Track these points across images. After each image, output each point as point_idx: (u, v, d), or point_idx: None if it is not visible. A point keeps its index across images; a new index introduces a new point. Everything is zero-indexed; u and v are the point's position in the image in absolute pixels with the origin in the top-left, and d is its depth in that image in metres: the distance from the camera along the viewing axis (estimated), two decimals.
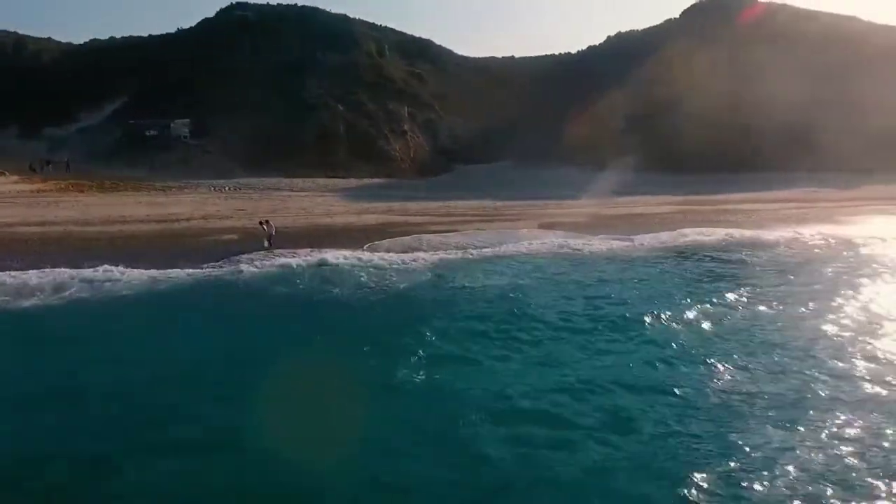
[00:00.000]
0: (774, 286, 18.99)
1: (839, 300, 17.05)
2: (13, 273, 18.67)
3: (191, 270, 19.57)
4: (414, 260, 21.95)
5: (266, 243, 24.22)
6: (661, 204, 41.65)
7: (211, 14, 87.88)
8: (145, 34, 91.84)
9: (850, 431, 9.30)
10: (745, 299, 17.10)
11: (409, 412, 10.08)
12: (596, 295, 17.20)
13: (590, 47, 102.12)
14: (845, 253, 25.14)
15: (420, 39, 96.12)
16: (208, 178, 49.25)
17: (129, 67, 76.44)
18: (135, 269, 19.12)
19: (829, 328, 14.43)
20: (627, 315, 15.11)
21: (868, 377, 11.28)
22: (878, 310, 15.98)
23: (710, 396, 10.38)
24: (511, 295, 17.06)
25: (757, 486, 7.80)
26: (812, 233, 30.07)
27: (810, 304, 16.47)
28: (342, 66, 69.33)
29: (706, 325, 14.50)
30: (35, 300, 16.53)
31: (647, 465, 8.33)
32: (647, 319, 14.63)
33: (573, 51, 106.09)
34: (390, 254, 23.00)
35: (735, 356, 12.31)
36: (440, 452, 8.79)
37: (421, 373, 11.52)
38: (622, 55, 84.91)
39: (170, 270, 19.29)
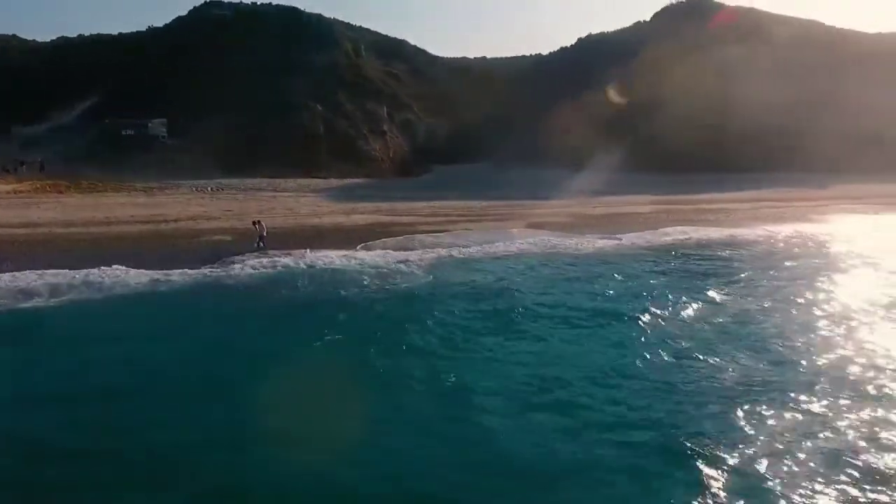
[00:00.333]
0: (759, 281, 19.71)
1: (817, 292, 17.98)
2: (4, 275, 18.43)
3: (189, 271, 19.48)
4: (410, 260, 22.12)
5: (257, 243, 24.19)
6: (642, 203, 42.52)
7: (183, 12, 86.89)
8: (114, 32, 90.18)
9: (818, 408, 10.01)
10: (732, 294, 17.79)
11: (429, 409, 10.33)
12: (594, 292, 17.68)
13: (562, 49, 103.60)
14: (820, 249, 26.12)
15: (395, 39, 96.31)
16: (188, 179, 48.82)
17: (100, 66, 75.27)
18: (132, 271, 18.99)
19: (811, 318, 15.22)
20: (626, 310, 15.58)
21: (852, 365, 11.98)
22: (853, 300, 16.92)
23: (712, 392, 10.84)
24: (514, 293, 17.41)
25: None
26: (789, 231, 31.14)
27: (792, 297, 17.32)
28: (321, 66, 69.17)
29: (699, 319, 15.07)
30: (34, 302, 16.35)
31: (655, 443, 8.79)
32: (645, 314, 15.12)
33: (544, 52, 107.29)
34: (386, 254, 23.15)
35: (732, 347, 12.85)
36: (458, 446, 9.04)
37: (434, 370, 11.80)
38: (596, 57, 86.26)
39: (167, 272, 19.15)
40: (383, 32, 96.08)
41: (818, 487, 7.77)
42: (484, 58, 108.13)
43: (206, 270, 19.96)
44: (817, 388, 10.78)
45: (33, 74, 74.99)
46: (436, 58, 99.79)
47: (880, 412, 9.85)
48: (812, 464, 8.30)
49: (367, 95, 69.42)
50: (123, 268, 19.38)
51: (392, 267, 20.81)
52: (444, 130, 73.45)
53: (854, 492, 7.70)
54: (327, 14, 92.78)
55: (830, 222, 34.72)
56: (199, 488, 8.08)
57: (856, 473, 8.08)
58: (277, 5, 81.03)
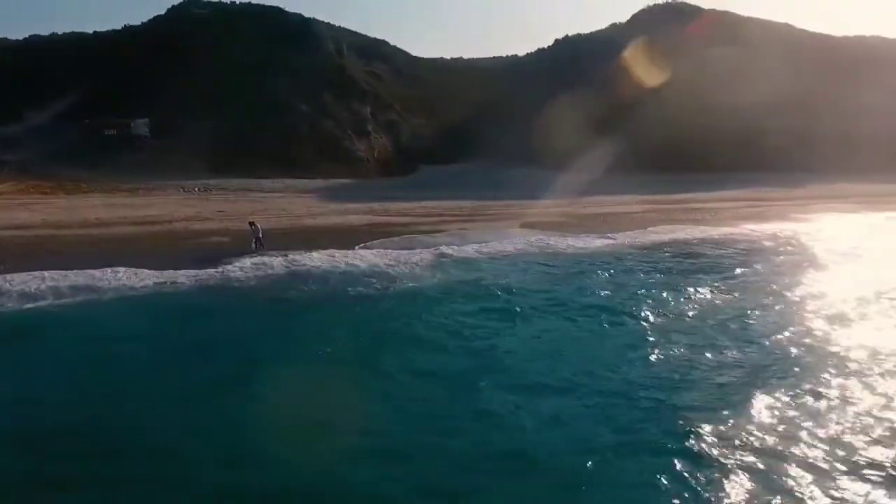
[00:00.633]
0: (753, 278, 20.30)
1: (808, 287, 18.83)
2: (7, 277, 18.22)
3: (193, 273, 19.40)
4: (412, 260, 22.23)
5: (254, 244, 24.12)
6: (631, 203, 43.21)
7: (159, 12, 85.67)
8: (89, 31, 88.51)
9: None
10: (728, 290, 18.38)
11: (450, 406, 10.55)
12: (598, 291, 18.02)
13: (539, 50, 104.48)
14: (805, 247, 26.84)
15: (374, 39, 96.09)
16: (173, 179, 48.27)
17: (76, 65, 73.93)
18: (138, 272, 18.87)
19: (804, 311, 15.91)
20: (632, 308, 15.96)
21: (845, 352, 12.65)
22: (839, 292, 17.82)
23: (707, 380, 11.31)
24: (522, 292, 17.68)
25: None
26: (774, 229, 31.92)
27: (786, 292, 18.03)
28: (304, 66, 68.84)
29: (704, 315, 15.53)
30: (40, 304, 16.20)
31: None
32: (651, 312, 15.56)
33: (520, 53, 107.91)
34: (386, 253, 23.21)
35: (740, 341, 13.32)
36: (479, 439, 9.29)
37: (454, 368, 12.04)
38: (575, 57, 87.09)
39: (173, 273, 19.08)
40: (362, 32, 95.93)
41: (815, 477, 8.18)
42: (461, 58, 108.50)
43: (210, 271, 19.86)
44: (810, 376, 11.37)
45: (5, 73, 73.22)
46: (416, 58, 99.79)
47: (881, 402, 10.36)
48: (806, 449, 8.78)
49: (351, 96, 69.31)
50: (126, 269, 19.29)
51: (396, 267, 20.93)
52: (427, 130, 73.67)
53: (850, 481, 8.10)
54: (304, 13, 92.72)
55: (813, 221, 35.64)
56: (211, 489, 8.17)
57: (852, 462, 8.52)
58: (259, 4, 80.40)
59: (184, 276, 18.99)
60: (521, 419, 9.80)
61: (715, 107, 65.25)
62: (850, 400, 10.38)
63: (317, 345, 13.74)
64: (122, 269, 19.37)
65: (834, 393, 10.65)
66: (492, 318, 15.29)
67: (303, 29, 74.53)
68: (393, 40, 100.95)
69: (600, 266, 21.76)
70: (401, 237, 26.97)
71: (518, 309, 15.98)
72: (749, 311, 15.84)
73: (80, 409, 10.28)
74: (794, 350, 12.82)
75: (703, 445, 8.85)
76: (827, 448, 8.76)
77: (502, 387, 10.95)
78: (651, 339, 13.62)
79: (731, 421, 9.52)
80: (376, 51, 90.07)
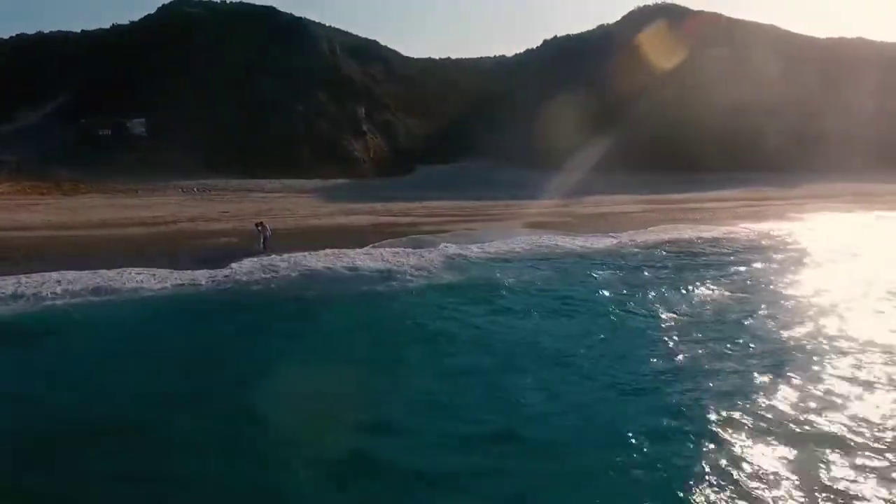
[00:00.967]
0: (763, 276, 20.79)
1: (812, 283, 19.50)
2: (24, 277, 18.16)
3: (210, 273, 19.46)
4: (424, 259, 22.43)
5: (262, 245, 24.17)
6: (629, 203, 43.64)
7: (147, 11, 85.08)
8: (76, 30, 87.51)
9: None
10: (739, 288, 18.92)
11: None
12: (613, 288, 18.37)
13: (527, 50, 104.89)
14: (807, 244, 27.37)
15: (366, 40, 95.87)
16: (169, 180, 47.98)
17: (68, 64, 73.12)
18: (156, 273, 18.89)
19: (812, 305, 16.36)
20: (651, 306, 16.31)
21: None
22: (847, 288, 18.47)
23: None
24: (540, 291, 18.01)
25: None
26: (772, 228, 32.47)
27: (796, 288, 18.56)
28: (299, 66, 68.59)
29: (713, 309, 15.97)
30: (59, 303, 16.19)
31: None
32: (672, 310, 15.91)
33: (509, 53, 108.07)
34: (398, 253, 23.32)
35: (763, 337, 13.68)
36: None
37: (494, 366, 12.25)
38: (564, 58, 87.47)
39: (188, 273, 19.13)
40: (354, 32, 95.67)
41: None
42: (449, 58, 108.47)
43: (227, 271, 19.94)
44: (823, 365, 11.94)
45: None
46: (407, 58, 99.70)
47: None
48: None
49: (345, 96, 69.18)
50: (142, 270, 19.33)
51: (410, 267, 21.07)
52: (422, 130, 73.73)
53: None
54: (293, 13, 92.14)
55: (809, 220, 36.27)
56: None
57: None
58: (251, 4, 79.92)
59: (202, 277, 19.05)
60: (551, 411, 10.05)
61: (709, 107, 66.03)
62: (862, 387, 10.84)
63: (345, 344, 13.95)
64: (136, 269, 19.41)
65: (847, 380, 11.13)
66: (517, 317, 15.53)
67: (296, 29, 74.22)
68: (381, 41, 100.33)
69: (612, 265, 22.12)
70: (408, 237, 27.06)
71: (542, 307, 16.27)
72: (762, 307, 16.30)
73: (117, 408, 10.41)
74: (806, 341, 13.37)
75: (733, 428, 9.24)
76: (841, 432, 9.18)
77: (542, 384, 11.21)
78: (674, 333, 13.99)
79: (756, 406, 9.91)
80: (368, 51, 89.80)
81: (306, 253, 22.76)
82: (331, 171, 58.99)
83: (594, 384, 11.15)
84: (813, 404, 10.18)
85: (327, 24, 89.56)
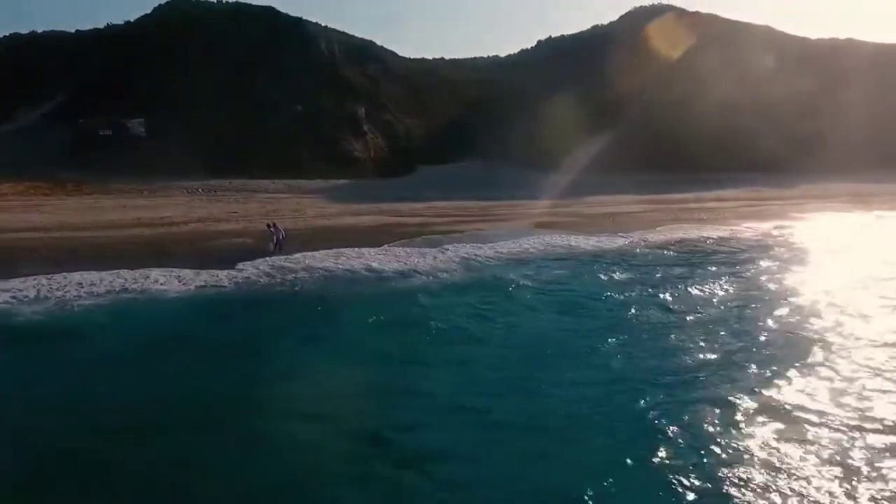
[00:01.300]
0: (773, 272, 21.20)
1: (827, 279, 19.95)
2: (44, 279, 18.09)
3: (232, 273, 19.47)
4: (442, 259, 22.48)
5: (273, 246, 24.16)
6: (630, 203, 43.97)
7: (142, 11, 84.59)
8: (70, 29, 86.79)
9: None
10: (752, 283, 19.37)
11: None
12: (637, 286, 18.62)
13: (522, 51, 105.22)
14: (813, 243, 27.71)
15: (362, 40, 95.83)
16: (171, 180, 47.85)
17: (65, 63, 72.63)
18: (177, 277, 18.86)
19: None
20: (678, 305, 16.53)
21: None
22: (859, 283, 18.93)
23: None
24: (568, 288, 18.21)
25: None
26: (778, 228, 32.88)
27: (814, 285, 18.79)
28: (298, 66, 68.51)
29: (734, 306, 16.23)
30: (86, 303, 16.15)
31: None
32: (693, 303, 16.15)
33: (501, 54, 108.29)
34: (413, 252, 23.38)
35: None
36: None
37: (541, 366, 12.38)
38: (562, 58, 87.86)
39: (211, 274, 19.15)
40: (350, 33, 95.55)
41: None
42: (443, 58, 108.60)
43: (246, 272, 19.92)
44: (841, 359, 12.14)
45: None
46: (404, 58, 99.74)
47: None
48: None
49: (345, 96, 69.18)
50: (163, 270, 19.31)
51: (431, 267, 21.18)
52: (421, 131, 73.81)
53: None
54: (290, 13, 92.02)
55: (812, 219, 36.74)
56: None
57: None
58: (248, 4, 79.67)
59: (224, 277, 19.05)
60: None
61: (706, 108, 66.50)
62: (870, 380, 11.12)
63: (376, 342, 14.00)
64: (158, 270, 19.39)
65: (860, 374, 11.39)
66: (544, 316, 15.70)
67: (295, 29, 74.14)
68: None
69: (629, 264, 22.38)
70: (422, 238, 27.12)
71: (567, 306, 16.46)
72: (782, 303, 16.65)
73: (161, 406, 10.45)
74: (833, 337, 13.66)
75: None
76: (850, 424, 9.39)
77: (580, 380, 11.34)
78: (703, 329, 14.28)
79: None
80: (365, 51, 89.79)
81: (323, 253, 22.79)
82: (331, 171, 58.97)
83: (635, 379, 11.30)
84: (840, 397, 10.39)
85: (322, 25, 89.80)
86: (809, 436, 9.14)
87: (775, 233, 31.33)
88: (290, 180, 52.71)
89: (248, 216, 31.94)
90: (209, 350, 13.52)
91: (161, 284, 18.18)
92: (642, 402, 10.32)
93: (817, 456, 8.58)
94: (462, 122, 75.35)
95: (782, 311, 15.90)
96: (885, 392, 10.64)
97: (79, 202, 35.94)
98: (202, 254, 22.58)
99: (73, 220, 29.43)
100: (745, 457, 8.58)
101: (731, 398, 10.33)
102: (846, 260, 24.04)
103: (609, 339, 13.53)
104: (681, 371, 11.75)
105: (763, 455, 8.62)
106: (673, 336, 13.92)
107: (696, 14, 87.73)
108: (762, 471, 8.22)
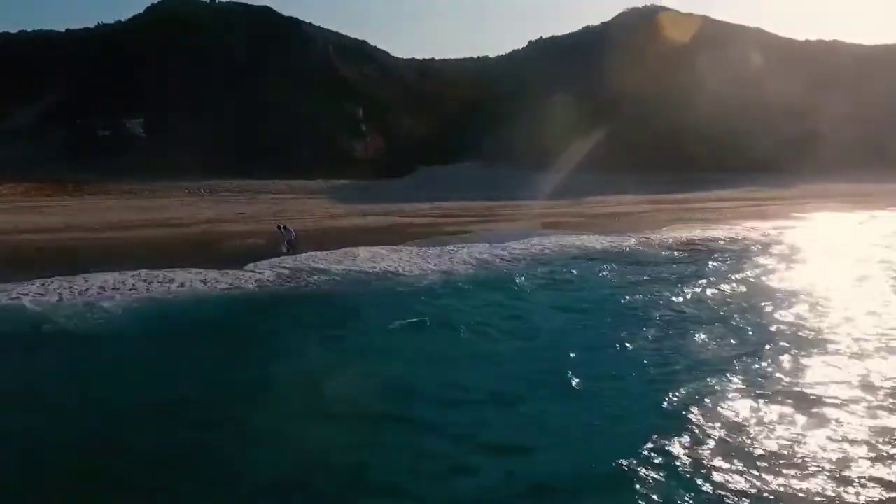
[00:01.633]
0: (790, 269, 21.49)
1: (840, 276, 20.37)
2: (65, 282, 17.95)
3: (256, 275, 19.38)
4: (457, 259, 22.52)
5: (284, 247, 24.10)
6: (632, 203, 44.26)
7: (132, 11, 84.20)
8: (60, 29, 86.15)
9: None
10: (776, 280, 19.64)
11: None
12: (660, 283, 18.79)
13: (514, 51, 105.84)
14: (820, 242, 28.00)
15: (356, 40, 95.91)
16: (171, 180, 47.60)
17: (56, 63, 72.07)
18: (202, 279, 18.77)
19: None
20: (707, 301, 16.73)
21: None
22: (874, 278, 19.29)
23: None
24: (592, 286, 18.36)
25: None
26: (784, 227, 33.22)
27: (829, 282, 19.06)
28: (296, 66, 68.50)
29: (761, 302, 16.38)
30: (105, 305, 15.97)
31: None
32: (720, 298, 16.33)
33: (491, 55, 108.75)
34: (427, 253, 23.39)
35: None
36: None
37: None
38: (559, 59, 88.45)
39: (235, 274, 19.09)
40: (343, 33, 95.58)
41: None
42: (433, 59, 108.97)
43: (267, 273, 19.85)
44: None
45: None
46: (401, 59, 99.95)
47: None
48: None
49: (344, 96, 69.25)
50: (183, 270, 19.23)
51: (450, 267, 21.21)
52: (419, 131, 74.02)
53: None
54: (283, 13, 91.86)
55: (814, 219, 37.15)
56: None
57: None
58: (245, 3, 79.52)
59: (247, 278, 19.00)
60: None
61: (702, 108, 67.23)
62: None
63: (409, 340, 14.00)
64: (180, 270, 19.34)
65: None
66: (575, 314, 15.70)
67: (292, 29, 74.05)
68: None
69: (645, 263, 22.51)
70: (433, 238, 27.07)
71: (597, 303, 16.57)
72: (804, 298, 16.85)
73: (208, 403, 10.45)
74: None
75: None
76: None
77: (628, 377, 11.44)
78: (735, 322, 14.48)
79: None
80: (362, 52, 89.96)
81: (339, 254, 22.78)
82: (331, 171, 58.94)
83: (685, 371, 11.40)
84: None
85: (317, 25, 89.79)
86: (823, 421, 9.36)
87: (782, 232, 31.59)
88: (290, 180, 52.64)
89: (257, 217, 31.88)
90: (253, 349, 13.44)
91: (187, 285, 18.12)
92: (686, 393, 10.43)
93: (830, 441, 8.78)
94: (461, 123, 75.66)
95: (806, 308, 16.09)
96: None
97: (83, 203, 35.69)
98: (219, 255, 22.53)
99: (80, 221, 29.26)
100: (777, 443, 8.77)
101: (771, 391, 10.50)
102: (855, 258, 24.32)
103: (648, 336, 13.64)
104: (722, 360, 11.95)
105: (790, 438, 8.89)
106: (707, 331, 14.07)
107: (690, 16, 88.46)
108: (794, 462, 8.37)
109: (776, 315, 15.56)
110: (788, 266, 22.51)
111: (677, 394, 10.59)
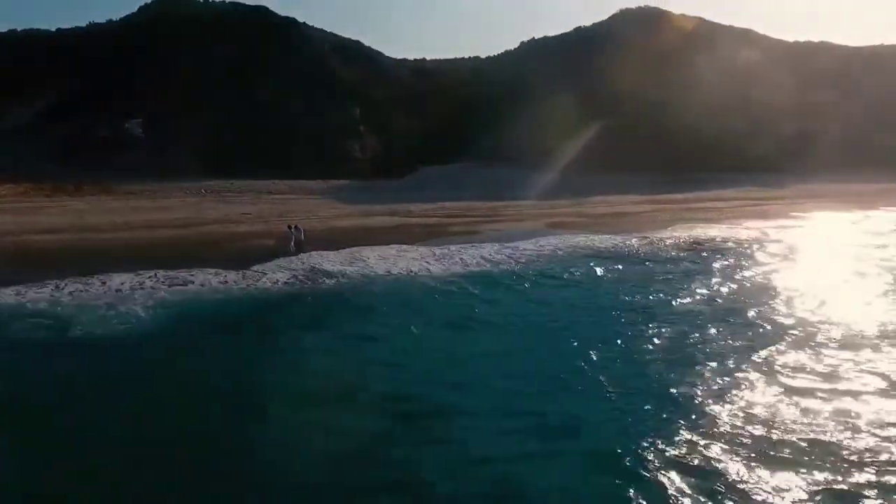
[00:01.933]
0: (800, 267, 21.85)
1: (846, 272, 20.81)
2: (80, 284, 17.84)
3: (267, 275, 19.41)
4: (469, 259, 22.58)
5: (292, 247, 24.10)
6: (633, 203, 44.50)
7: (121, 12, 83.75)
8: (51, 28, 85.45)
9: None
10: (787, 277, 19.87)
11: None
12: (683, 281, 18.98)
13: (506, 52, 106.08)
14: (824, 240, 28.40)
15: (352, 41, 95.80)
16: (172, 181, 47.35)
17: (56, 63, 71.51)
18: (222, 280, 18.72)
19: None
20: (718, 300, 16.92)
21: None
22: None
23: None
24: (607, 285, 18.50)
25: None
26: (786, 226, 33.54)
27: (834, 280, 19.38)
28: (294, 66, 68.34)
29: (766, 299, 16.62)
30: (122, 308, 15.90)
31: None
32: (735, 296, 16.54)
33: (482, 55, 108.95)
34: (438, 253, 23.41)
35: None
36: None
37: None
38: (545, 60, 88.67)
39: (252, 274, 19.11)
40: (339, 33, 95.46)
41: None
42: (425, 59, 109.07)
43: (283, 274, 19.81)
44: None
45: None
46: (397, 59, 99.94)
47: None
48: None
49: (342, 96, 69.11)
50: (200, 271, 19.21)
51: (464, 267, 21.31)
52: (419, 131, 73.98)
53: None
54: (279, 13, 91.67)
55: (814, 218, 37.48)
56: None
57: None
58: (243, 3, 79.20)
59: (263, 279, 18.99)
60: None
61: (700, 109, 67.69)
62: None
63: (434, 336, 14.11)
64: (195, 270, 19.27)
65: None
66: (593, 312, 15.89)
67: (289, 29, 73.85)
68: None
69: (657, 262, 22.73)
70: (442, 237, 27.21)
71: (614, 301, 16.77)
72: (815, 294, 17.13)
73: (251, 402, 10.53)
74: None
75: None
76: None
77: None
78: (751, 317, 14.67)
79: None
80: (359, 52, 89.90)
81: (351, 253, 22.81)
82: (330, 171, 58.83)
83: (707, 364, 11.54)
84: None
85: (311, 25, 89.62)
86: (833, 413, 9.63)
87: (783, 232, 31.87)
88: (290, 181, 52.49)
89: (263, 217, 31.82)
90: (287, 350, 13.45)
91: (209, 286, 18.08)
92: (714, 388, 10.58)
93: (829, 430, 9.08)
94: (459, 123, 75.70)
95: (809, 305, 16.37)
96: None
97: (85, 204, 35.46)
98: (230, 255, 22.44)
99: (85, 221, 29.08)
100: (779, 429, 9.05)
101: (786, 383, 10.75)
102: (853, 258, 24.55)
103: (667, 334, 13.82)
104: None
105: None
106: (719, 327, 14.30)
107: (683, 17, 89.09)
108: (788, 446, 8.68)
109: (782, 311, 15.89)
110: (790, 264, 22.82)
111: (702, 387, 10.84)
